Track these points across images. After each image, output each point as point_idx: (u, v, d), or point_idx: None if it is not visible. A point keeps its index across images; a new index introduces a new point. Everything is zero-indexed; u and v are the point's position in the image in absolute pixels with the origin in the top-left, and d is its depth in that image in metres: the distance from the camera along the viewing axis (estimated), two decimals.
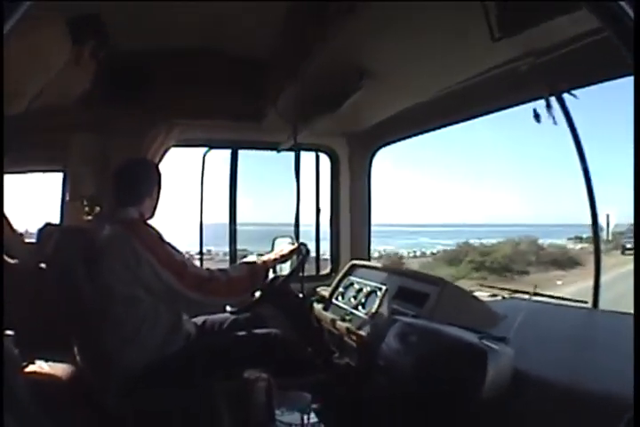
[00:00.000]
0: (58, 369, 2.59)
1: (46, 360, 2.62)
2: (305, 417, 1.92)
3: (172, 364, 2.66)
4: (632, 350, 1.68)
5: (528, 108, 2.91)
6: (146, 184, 2.92)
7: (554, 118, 2.71)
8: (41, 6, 1.67)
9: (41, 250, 2.57)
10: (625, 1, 1.14)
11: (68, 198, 3.51)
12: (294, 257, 3.12)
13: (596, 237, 3.29)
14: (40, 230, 2.61)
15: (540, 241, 27.36)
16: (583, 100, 2.77)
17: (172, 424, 2.57)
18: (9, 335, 2.11)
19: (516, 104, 3.17)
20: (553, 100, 2.74)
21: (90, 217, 2.93)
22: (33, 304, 2.72)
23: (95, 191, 3.33)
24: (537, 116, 2.74)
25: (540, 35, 2.18)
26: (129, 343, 2.62)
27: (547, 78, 2.64)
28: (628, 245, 24.50)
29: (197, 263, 3.21)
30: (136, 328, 2.64)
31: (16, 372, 2.00)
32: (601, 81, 2.65)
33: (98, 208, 2.97)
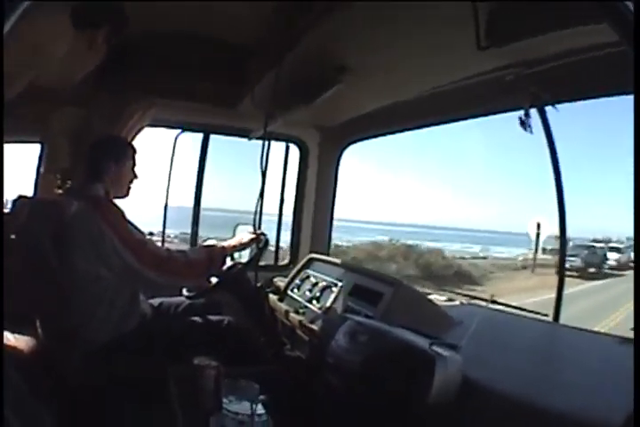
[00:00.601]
0: (22, 341, 2.61)
1: (12, 332, 2.63)
2: (252, 407, 1.93)
3: (127, 342, 2.70)
4: (589, 366, 1.72)
5: (507, 116, 2.96)
6: (114, 161, 2.92)
7: (530, 128, 2.73)
8: None
9: (12, 221, 2.57)
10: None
11: (42, 171, 3.49)
12: (254, 246, 3.14)
13: (562, 250, 3.34)
14: (14, 202, 2.63)
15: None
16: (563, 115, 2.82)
17: (126, 401, 2.57)
18: None
19: (497, 112, 3.20)
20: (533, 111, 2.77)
21: (61, 191, 2.91)
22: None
23: (69, 165, 3.31)
24: (523, 124, 2.74)
25: (529, 47, 2.20)
26: (87, 319, 2.67)
27: (530, 89, 2.66)
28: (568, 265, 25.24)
29: (159, 244, 3.20)
30: (95, 305, 2.69)
31: None
32: (585, 98, 2.69)
33: (70, 182, 2.95)
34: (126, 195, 3.05)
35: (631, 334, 2.13)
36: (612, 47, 2.01)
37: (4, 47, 1.08)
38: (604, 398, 1.59)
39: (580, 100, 2.70)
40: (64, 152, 3.40)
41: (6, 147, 3.52)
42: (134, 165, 3.06)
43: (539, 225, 23.02)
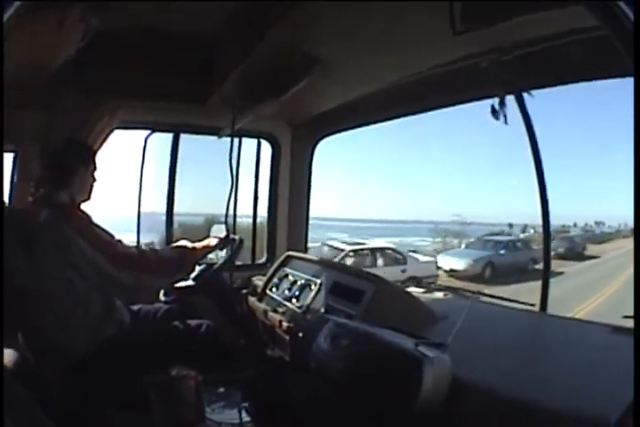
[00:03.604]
0: (6, 354, 2.56)
1: None
2: (236, 415, 1.89)
3: (106, 350, 2.66)
4: (576, 358, 1.67)
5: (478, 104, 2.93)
6: (76, 167, 2.91)
7: (505, 117, 2.71)
8: None
9: None
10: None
11: (16, 179, 3.47)
12: (229, 246, 3.15)
13: (546, 240, 3.32)
14: None
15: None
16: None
17: (107, 413, 2.57)
18: None
19: (470, 100, 3.18)
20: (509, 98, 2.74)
21: (31, 198, 2.88)
22: None
23: (40, 173, 3.25)
24: (494, 112, 2.72)
25: (503, 33, 2.17)
26: (62, 327, 2.64)
27: (505, 76, 2.63)
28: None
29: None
30: (69, 312, 2.66)
31: None
32: (562, 83, 2.67)
33: (42, 190, 2.91)
34: (88, 198, 3.02)
35: None
36: (588, 32, 1.99)
37: None
38: (597, 390, 1.55)
39: (555, 85, 2.68)
40: (34, 159, 3.33)
41: None
42: (95, 168, 3.03)
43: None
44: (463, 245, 24.86)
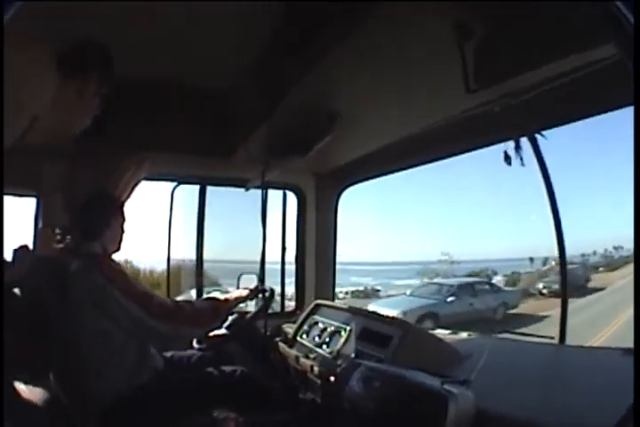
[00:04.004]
0: (36, 393, 2.55)
1: (25, 383, 2.57)
2: None
3: (140, 397, 2.67)
4: (593, 384, 1.74)
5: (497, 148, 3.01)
6: (106, 218, 2.99)
7: (522, 160, 2.76)
8: (26, 32, 1.69)
9: (14, 271, 2.50)
10: (623, 1, 1.18)
11: (40, 225, 3.49)
12: (260, 296, 3.20)
13: (562, 270, 3.36)
14: (15, 251, 2.56)
15: None
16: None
17: None
18: None
19: (486, 145, 3.23)
20: (523, 140, 2.81)
21: (61, 245, 2.93)
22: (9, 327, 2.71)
23: (66, 221, 3.32)
24: (507, 158, 2.75)
25: (515, 79, 2.25)
26: (97, 375, 2.64)
27: (517, 119, 2.70)
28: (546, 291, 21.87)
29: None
30: (104, 360, 2.67)
31: None
32: (573, 120, 2.73)
33: (69, 237, 2.96)
34: (119, 249, 3.10)
35: None
36: (594, 65, 2.06)
37: None
38: (614, 410, 1.60)
39: (567, 123, 2.75)
40: (59, 207, 3.38)
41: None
42: (124, 220, 3.13)
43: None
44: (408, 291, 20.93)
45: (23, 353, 2.64)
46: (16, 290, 2.70)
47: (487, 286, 19.75)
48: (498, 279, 24.64)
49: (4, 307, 2.59)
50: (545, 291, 22.01)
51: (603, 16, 1.27)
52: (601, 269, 23.57)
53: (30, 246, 2.63)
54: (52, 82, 1.75)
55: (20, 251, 2.50)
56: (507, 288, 20.94)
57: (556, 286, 20.06)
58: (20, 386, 2.53)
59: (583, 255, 25.28)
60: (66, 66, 1.85)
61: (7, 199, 3.59)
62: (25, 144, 1.92)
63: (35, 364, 2.65)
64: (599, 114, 2.54)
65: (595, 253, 25.35)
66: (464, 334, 3.35)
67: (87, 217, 2.96)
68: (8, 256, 2.42)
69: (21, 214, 3.83)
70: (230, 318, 3.27)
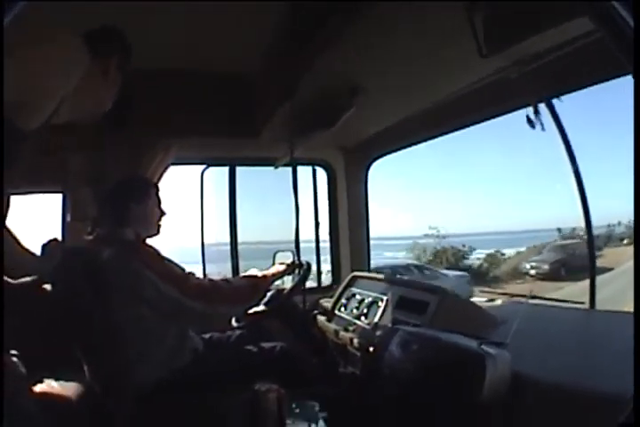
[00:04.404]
0: (68, 388, 2.58)
1: (56, 379, 2.60)
2: (313, 426, 1.95)
3: (181, 379, 2.68)
4: (629, 348, 1.73)
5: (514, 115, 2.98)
6: (135, 203, 2.93)
7: (542, 124, 2.75)
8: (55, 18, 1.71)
9: (45, 265, 2.48)
10: (622, 1, 1.16)
11: (68, 219, 3.53)
12: (296, 271, 3.18)
13: (590, 239, 3.35)
14: (44, 246, 2.49)
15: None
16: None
17: None
18: (14, 355, 2.12)
19: (506, 112, 3.22)
20: (541, 106, 2.79)
21: (91, 237, 2.92)
22: (37, 322, 2.73)
23: (95, 212, 3.30)
24: (530, 122, 2.76)
25: (526, 45, 2.22)
26: (137, 361, 2.64)
27: (534, 85, 2.70)
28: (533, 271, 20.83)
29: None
30: (143, 346, 2.67)
31: (24, 391, 2.02)
32: (589, 85, 2.70)
33: (97, 229, 2.95)
34: (157, 233, 3.07)
35: None
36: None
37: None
38: None
39: (583, 88, 2.72)
40: (88, 199, 3.42)
41: (26, 198, 3.57)
42: (159, 202, 3.06)
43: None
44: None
45: (58, 348, 2.68)
46: (48, 285, 2.74)
47: (416, 271, 18.80)
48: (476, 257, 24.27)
49: (34, 303, 2.63)
50: (533, 272, 20.99)
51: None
52: (625, 241, 21.43)
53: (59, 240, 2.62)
54: (78, 65, 1.76)
55: (50, 245, 2.49)
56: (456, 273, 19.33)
57: (547, 267, 20.32)
58: (49, 383, 2.55)
59: (609, 226, 24.51)
60: (93, 49, 1.86)
61: (33, 197, 3.64)
62: (50, 137, 1.94)
63: (70, 357, 2.67)
64: (618, 77, 2.49)
65: (619, 223, 24.56)
66: (498, 301, 3.35)
67: (117, 203, 2.92)
68: (37, 251, 2.42)
69: (47, 211, 3.87)
70: (268, 294, 3.25)
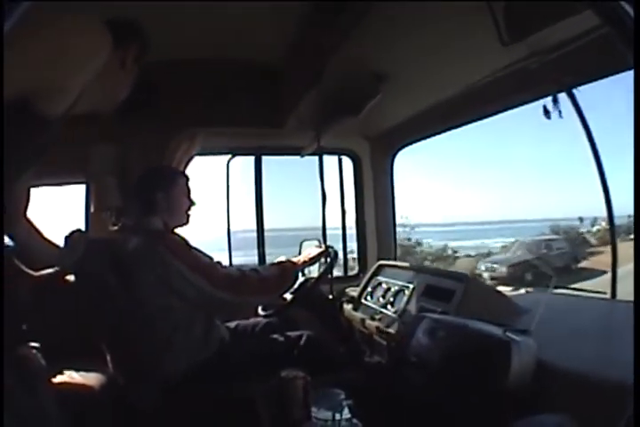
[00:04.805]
0: (89, 378, 2.61)
1: (76, 370, 2.63)
2: (339, 413, 1.95)
3: (208, 368, 2.69)
4: None
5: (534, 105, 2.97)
6: (163, 192, 2.90)
7: (560, 113, 2.73)
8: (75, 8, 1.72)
9: (68, 256, 2.48)
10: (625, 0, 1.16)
11: (92, 209, 3.52)
12: (322, 260, 3.17)
13: (611, 227, 3.32)
14: (67, 237, 2.52)
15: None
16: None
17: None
18: (35, 347, 2.14)
19: (527, 102, 3.19)
20: (561, 95, 2.77)
21: (116, 227, 2.92)
22: (60, 314, 2.76)
23: (120, 202, 3.37)
24: (547, 113, 2.75)
25: (547, 34, 2.21)
26: (163, 351, 2.65)
27: (554, 74, 2.67)
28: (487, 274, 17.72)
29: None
30: (170, 335, 2.67)
31: (44, 384, 2.04)
32: (609, 74, 2.66)
33: (123, 219, 2.96)
34: (186, 222, 3.05)
35: None
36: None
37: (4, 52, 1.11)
38: None
39: (604, 77, 2.68)
40: (112, 189, 3.45)
41: (48, 189, 3.59)
42: (188, 191, 3.03)
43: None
44: None
45: (79, 339, 2.71)
46: (71, 276, 2.76)
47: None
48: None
49: (56, 294, 2.66)
50: (486, 275, 17.90)
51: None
52: None
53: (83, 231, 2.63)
54: (103, 51, 1.76)
55: (73, 236, 2.50)
56: None
57: (503, 269, 18.05)
58: (70, 374, 2.59)
59: (629, 216, 23.79)
60: (114, 38, 1.87)
61: (55, 189, 3.67)
62: (72, 128, 1.95)
63: (91, 349, 2.70)
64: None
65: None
66: (522, 290, 3.34)
67: (144, 192, 2.92)
68: (61, 243, 2.43)
69: (70, 202, 3.89)
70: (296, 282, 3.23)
